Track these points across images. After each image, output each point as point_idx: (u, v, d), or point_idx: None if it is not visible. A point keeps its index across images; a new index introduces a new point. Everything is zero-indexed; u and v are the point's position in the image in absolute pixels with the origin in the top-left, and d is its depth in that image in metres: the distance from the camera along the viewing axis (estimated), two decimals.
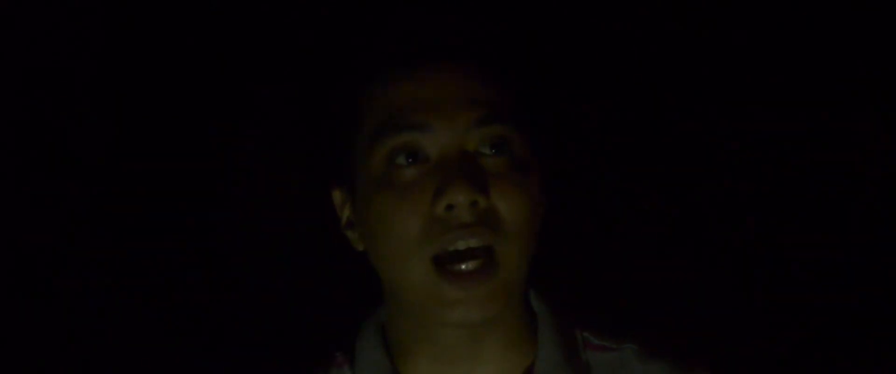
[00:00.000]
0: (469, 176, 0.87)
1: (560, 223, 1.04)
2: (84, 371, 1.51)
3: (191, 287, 1.53)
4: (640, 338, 1.02)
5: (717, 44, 1.49)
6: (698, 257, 1.51)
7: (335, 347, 1.02)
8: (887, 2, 1.48)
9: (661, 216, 1.51)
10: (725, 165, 1.51)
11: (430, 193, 0.87)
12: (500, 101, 0.91)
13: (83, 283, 1.53)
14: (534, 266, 0.97)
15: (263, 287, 1.53)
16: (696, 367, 1.01)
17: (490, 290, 0.88)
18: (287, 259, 1.52)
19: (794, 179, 1.50)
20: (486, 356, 0.95)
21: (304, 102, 1.39)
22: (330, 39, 1.33)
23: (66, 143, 1.54)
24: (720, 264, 1.51)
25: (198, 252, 1.54)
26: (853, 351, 1.46)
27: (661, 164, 1.51)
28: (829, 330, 1.48)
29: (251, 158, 1.54)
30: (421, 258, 0.88)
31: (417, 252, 0.88)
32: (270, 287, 1.52)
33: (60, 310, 1.53)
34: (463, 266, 0.87)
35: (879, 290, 1.49)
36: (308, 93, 1.39)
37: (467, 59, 0.93)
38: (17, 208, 1.53)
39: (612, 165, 1.50)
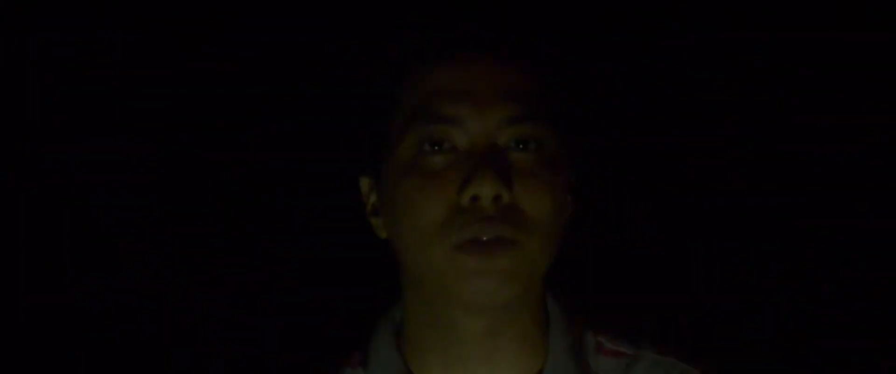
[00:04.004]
0: (496, 169, 0.87)
1: (580, 225, 1.03)
2: (99, 369, 1.50)
3: (205, 283, 1.53)
4: (658, 343, 1.01)
5: (735, 44, 1.49)
6: (713, 260, 1.51)
7: (351, 346, 1.02)
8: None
9: (676, 219, 1.51)
10: (743, 168, 1.51)
11: (457, 182, 0.88)
12: (534, 98, 0.92)
13: (98, 281, 1.53)
14: (554, 269, 0.96)
15: (279, 285, 1.52)
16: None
17: (507, 264, 0.87)
18: (306, 258, 1.51)
19: (810, 179, 1.51)
20: (500, 357, 0.94)
21: (341, 89, 1.38)
22: (374, 28, 1.32)
23: (78, 135, 1.53)
24: (732, 267, 1.51)
25: (211, 247, 1.54)
26: (860, 351, 1.47)
27: (677, 166, 1.51)
28: (836, 330, 1.48)
29: (274, 151, 1.53)
30: (441, 246, 0.88)
31: (439, 239, 0.88)
32: (286, 285, 1.52)
33: (68, 308, 1.52)
34: (483, 238, 0.87)
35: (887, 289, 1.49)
36: (347, 80, 1.38)
37: (505, 53, 0.93)
38: (19, 207, 1.53)
39: (627, 167, 1.50)
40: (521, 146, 0.90)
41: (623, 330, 1.02)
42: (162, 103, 1.54)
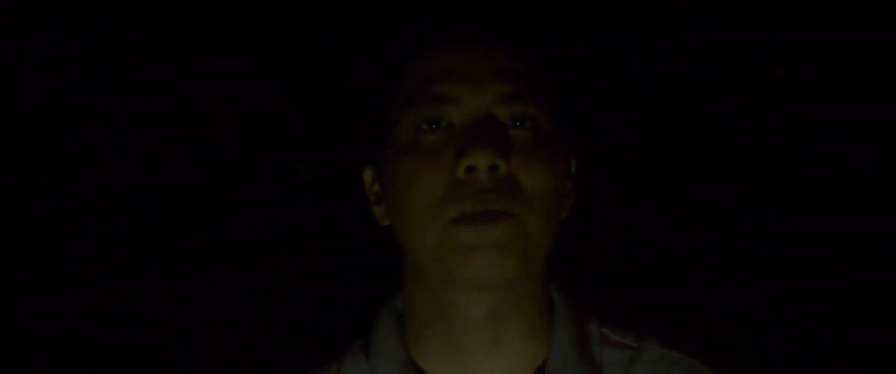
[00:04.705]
0: (492, 140, 0.87)
1: (584, 218, 1.03)
2: (104, 368, 1.50)
3: (210, 278, 1.53)
4: (663, 337, 1.00)
5: (738, 41, 1.49)
6: (717, 255, 1.51)
7: (354, 334, 1.01)
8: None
9: (681, 215, 1.51)
10: (746, 163, 1.51)
11: (453, 156, 0.88)
12: (530, 79, 0.92)
13: (99, 278, 1.53)
14: (558, 260, 0.96)
15: (282, 275, 1.52)
16: (715, 370, 1.00)
17: (502, 236, 0.87)
18: (306, 248, 1.51)
19: (813, 179, 1.51)
20: (503, 346, 0.93)
21: (343, 84, 1.38)
22: (372, 23, 1.32)
23: (79, 135, 1.53)
24: (736, 263, 1.51)
25: (216, 243, 1.54)
26: (863, 347, 1.46)
27: (682, 161, 1.51)
28: (843, 327, 1.48)
29: (273, 148, 1.54)
30: (438, 221, 0.88)
31: (437, 215, 0.88)
32: (289, 276, 1.52)
33: (68, 306, 1.52)
34: (479, 210, 0.87)
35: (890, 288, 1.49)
36: (347, 75, 1.38)
37: (500, 37, 0.94)
38: (31, 206, 1.53)
39: (632, 161, 1.50)
40: (518, 124, 0.90)
41: (628, 323, 1.01)
42: (162, 98, 1.53)
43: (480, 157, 0.86)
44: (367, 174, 1.01)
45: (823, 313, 1.49)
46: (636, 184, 1.51)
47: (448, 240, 0.87)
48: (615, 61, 1.48)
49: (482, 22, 0.95)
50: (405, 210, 0.90)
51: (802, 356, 1.48)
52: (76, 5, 1.54)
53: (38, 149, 1.53)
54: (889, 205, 1.51)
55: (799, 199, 1.51)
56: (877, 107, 1.51)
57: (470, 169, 0.87)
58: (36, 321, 1.51)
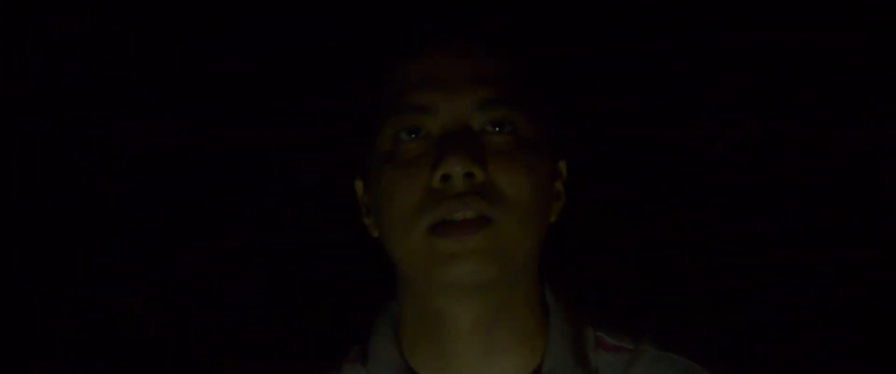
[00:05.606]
0: (466, 148, 0.87)
1: (578, 220, 1.03)
2: (104, 368, 1.50)
3: (207, 284, 1.53)
4: (659, 340, 1.00)
5: (734, 39, 1.49)
6: (712, 256, 1.51)
7: (349, 343, 1.01)
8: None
9: (674, 214, 1.51)
10: (741, 163, 1.51)
11: (429, 165, 0.88)
12: (507, 83, 0.92)
13: (96, 281, 1.53)
14: (551, 262, 0.96)
15: (280, 282, 1.52)
16: (713, 370, 1.00)
17: (481, 244, 0.87)
18: (304, 255, 1.51)
19: (810, 178, 1.51)
20: (496, 352, 0.94)
21: (332, 94, 1.39)
22: (355, 30, 1.32)
23: (77, 138, 1.54)
24: (733, 263, 1.51)
25: (216, 248, 1.54)
26: (863, 347, 1.47)
27: (676, 161, 1.51)
28: (840, 330, 1.48)
29: (272, 155, 1.54)
30: (417, 230, 0.88)
31: (415, 223, 0.88)
32: (287, 283, 1.52)
33: (67, 306, 1.52)
34: (456, 218, 0.87)
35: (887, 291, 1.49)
36: (335, 85, 1.38)
37: (476, 41, 0.94)
38: (36, 203, 1.53)
39: (625, 161, 1.50)
40: (497, 129, 0.90)
41: (623, 325, 1.01)
42: (159, 106, 1.54)
43: (455, 165, 0.87)
44: (359, 186, 1.01)
45: (823, 313, 1.49)
46: (634, 183, 1.51)
47: (428, 251, 0.88)
48: (610, 60, 1.48)
49: (458, 25, 0.96)
50: (387, 220, 0.91)
51: (799, 355, 1.48)
52: (76, 5, 1.54)
53: (39, 154, 1.53)
54: (890, 205, 1.51)
55: (799, 199, 1.51)
56: (878, 106, 1.51)
57: (446, 178, 0.88)
58: (32, 322, 1.51)
